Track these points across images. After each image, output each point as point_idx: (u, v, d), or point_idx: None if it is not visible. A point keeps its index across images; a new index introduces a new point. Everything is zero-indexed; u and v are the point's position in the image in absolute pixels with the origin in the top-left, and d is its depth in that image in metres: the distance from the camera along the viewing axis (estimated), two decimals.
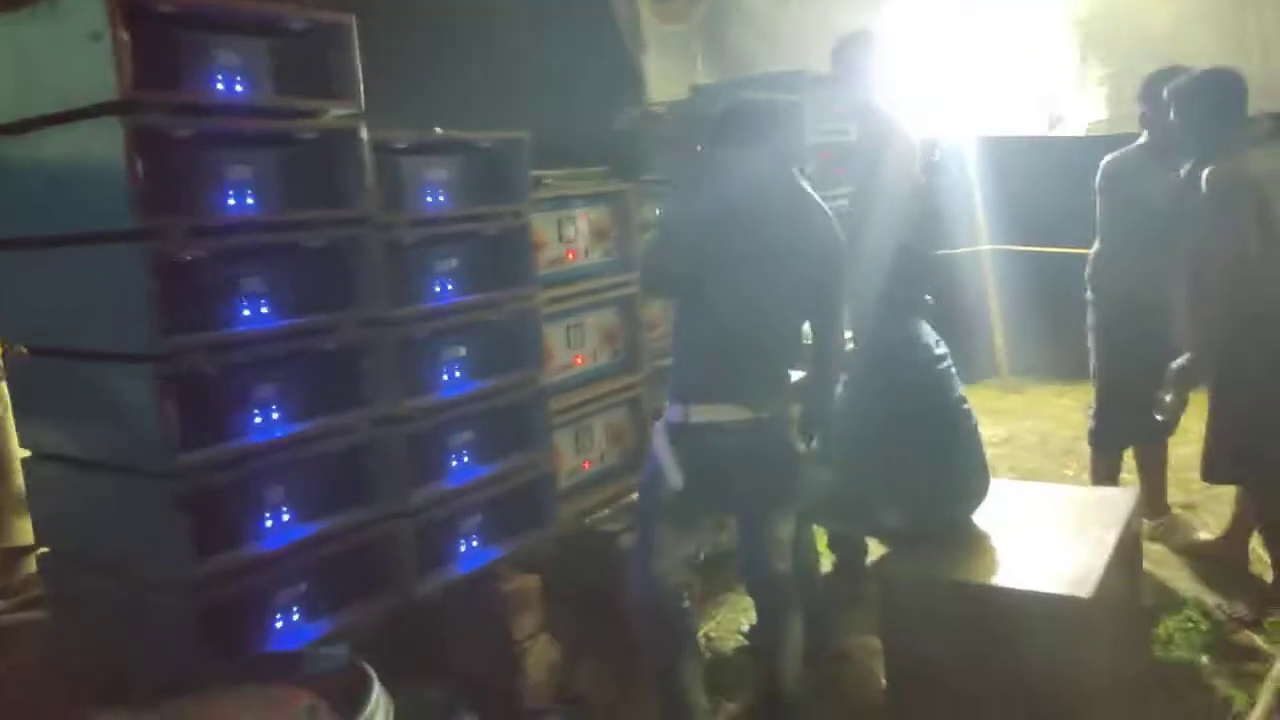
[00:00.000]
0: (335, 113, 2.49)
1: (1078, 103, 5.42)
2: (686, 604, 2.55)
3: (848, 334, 3.64)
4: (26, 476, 2.64)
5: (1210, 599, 3.36)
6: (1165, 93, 3.26)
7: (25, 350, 2.48)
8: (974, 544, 3.03)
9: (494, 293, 2.92)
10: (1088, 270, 3.72)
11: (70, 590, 2.58)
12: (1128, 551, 3.12)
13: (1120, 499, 3.30)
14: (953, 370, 3.13)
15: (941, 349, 3.11)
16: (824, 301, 2.61)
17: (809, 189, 2.59)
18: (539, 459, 3.06)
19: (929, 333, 3.09)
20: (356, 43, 2.48)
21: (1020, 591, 2.72)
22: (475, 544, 2.92)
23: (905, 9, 6.00)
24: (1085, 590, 2.67)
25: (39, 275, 2.37)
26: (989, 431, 5.51)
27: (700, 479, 2.49)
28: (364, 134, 2.49)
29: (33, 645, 2.89)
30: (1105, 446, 3.76)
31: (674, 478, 2.49)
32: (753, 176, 2.53)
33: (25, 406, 2.59)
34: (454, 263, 2.86)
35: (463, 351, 2.89)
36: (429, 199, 2.79)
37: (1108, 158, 3.65)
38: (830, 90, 3.64)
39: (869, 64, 3.38)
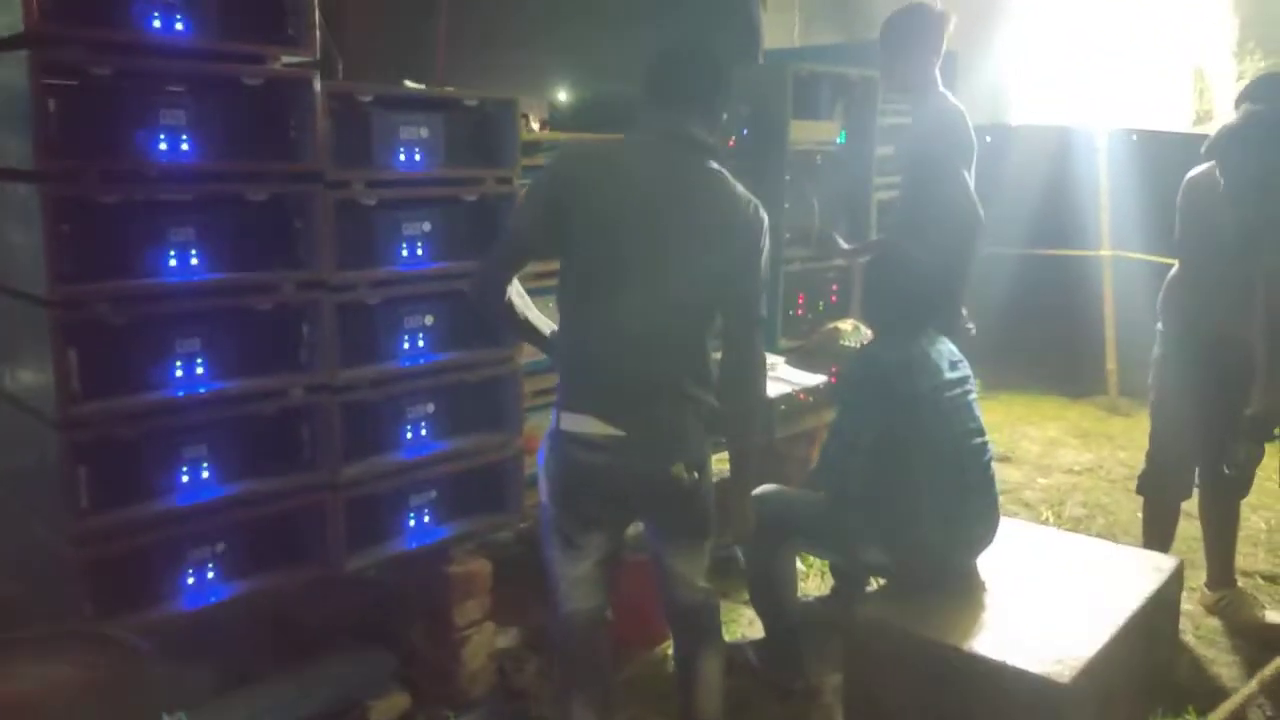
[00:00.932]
0: (286, 60, 2.36)
1: (1232, 96, 4.76)
2: (590, 634, 2.28)
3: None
4: None
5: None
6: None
7: None
8: (964, 595, 2.71)
9: (469, 261, 2.76)
10: (1159, 297, 3.22)
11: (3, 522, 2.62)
12: (1149, 628, 2.72)
13: (1157, 565, 2.89)
14: (970, 398, 2.77)
15: (958, 372, 2.75)
16: (737, 303, 2.17)
17: (726, 174, 2.19)
18: (508, 440, 2.91)
19: (943, 354, 2.73)
20: None
21: (991, 662, 2.40)
22: (427, 520, 2.81)
23: None
24: (1066, 674, 2.33)
25: None
26: (1073, 457, 5.03)
27: (573, 495, 2.20)
28: (317, 84, 2.35)
29: None
30: (1156, 496, 3.27)
31: (541, 488, 2.24)
32: (661, 148, 2.14)
33: None
34: (426, 227, 2.71)
35: (429, 320, 2.75)
36: (402, 157, 2.64)
37: (1193, 171, 3.13)
38: (881, 71, 3.26)
39: (925, 42, 2.99)
